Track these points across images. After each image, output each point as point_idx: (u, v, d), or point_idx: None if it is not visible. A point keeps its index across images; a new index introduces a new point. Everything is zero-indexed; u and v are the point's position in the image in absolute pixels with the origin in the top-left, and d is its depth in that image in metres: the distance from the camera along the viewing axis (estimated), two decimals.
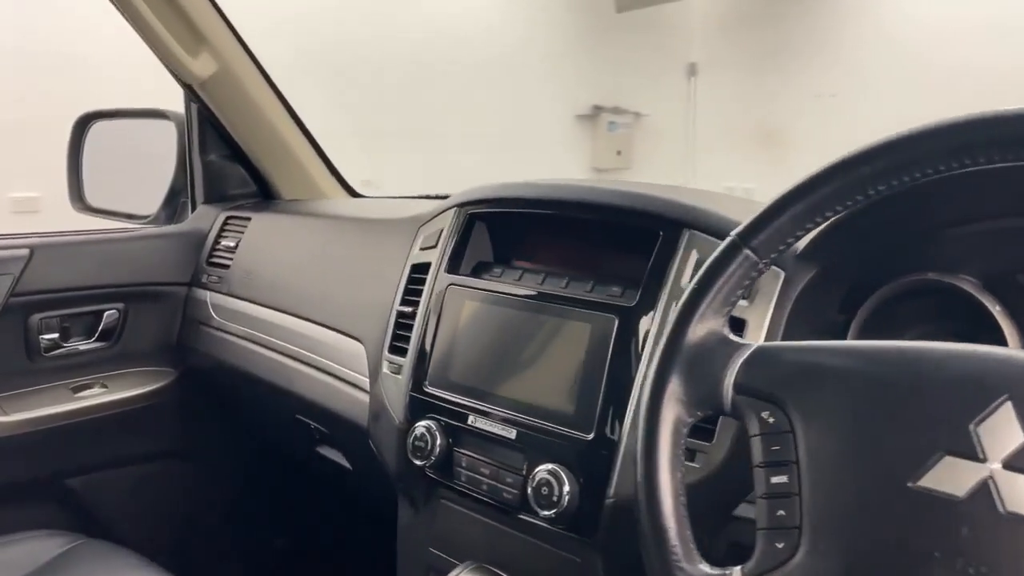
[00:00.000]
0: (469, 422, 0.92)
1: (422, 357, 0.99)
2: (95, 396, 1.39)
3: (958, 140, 0.52)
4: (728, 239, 0.60)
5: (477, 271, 1.01)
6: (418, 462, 0.94)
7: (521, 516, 0.86)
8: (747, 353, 0.57)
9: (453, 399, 0.94)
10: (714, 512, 0.76)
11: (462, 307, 0.97)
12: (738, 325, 0.77)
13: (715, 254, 0.61)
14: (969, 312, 0.76)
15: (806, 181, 0.58)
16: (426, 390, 0.97)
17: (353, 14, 4.82)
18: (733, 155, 6.52)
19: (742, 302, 0.78)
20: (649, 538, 0.56)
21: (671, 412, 0.58)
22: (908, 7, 5.50)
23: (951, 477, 0.46)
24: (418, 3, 5.24)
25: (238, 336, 1.37)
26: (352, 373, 1.14)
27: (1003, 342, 0.73)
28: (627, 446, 0.79)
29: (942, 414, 0.48)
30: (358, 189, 1.69)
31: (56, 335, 1.36)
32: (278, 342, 1.28)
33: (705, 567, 0.54)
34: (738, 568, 0.53)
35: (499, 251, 1.04)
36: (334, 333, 1.19)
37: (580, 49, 6.24)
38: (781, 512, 0.52)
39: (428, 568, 1.00)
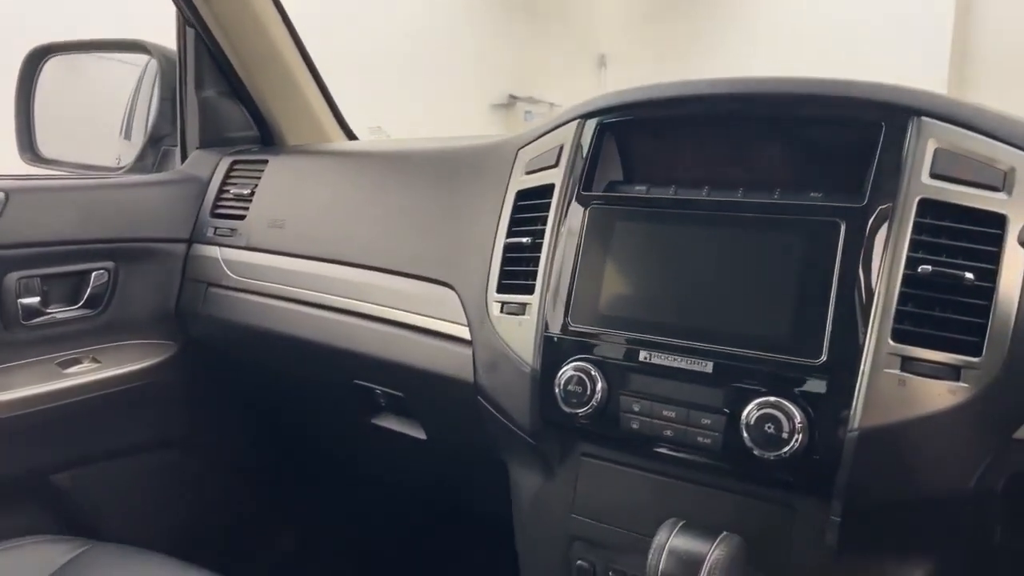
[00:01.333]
0: (642, 358, 0.77)
1: (559, 292, 0.84)
2: (86, 373, 1.15)
3: None
4: None
5: (612, 190, 0.87)
6: (572, 410, 0.79)
7: (725, 465, 0.73)
8: None
9: (616, 334, 0.79)
10: (990, 436, 0.66)
11: (612, 229, 0.83)
12: (997, 222, 0.67)
13: None
14: None
15: None
16: (571, 328, 0.82)
17: None
18: None
19: (996, 194, 0.68)
20: None
21: None
22: (811, 7, 5.73)
23: None
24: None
25: (266, 295, 1.17)
26: (442, 323, 0.97)
27: None
28: (871, 369, 0.67)
29: None
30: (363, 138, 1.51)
31: (38, 300, 1.11)
32: (329, 296, 1.09)
33: None
34: None
35: (630, 171, 0.91)
36: (411, 280, 1.02)
37: (495, 38, 6.15)
38: None
39: (572, 539, 0.85)
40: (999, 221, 0.67)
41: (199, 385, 1.28)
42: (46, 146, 1.40)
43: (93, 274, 1.17)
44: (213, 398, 1.31)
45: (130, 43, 1.38)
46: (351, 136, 1.48)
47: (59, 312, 1.14)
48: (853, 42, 5.35)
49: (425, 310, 0.99)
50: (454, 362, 0.95)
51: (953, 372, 0.65)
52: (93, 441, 1.17)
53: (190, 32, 1.28)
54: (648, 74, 6.49)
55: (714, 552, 0.68)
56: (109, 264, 1.19)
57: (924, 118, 0.71)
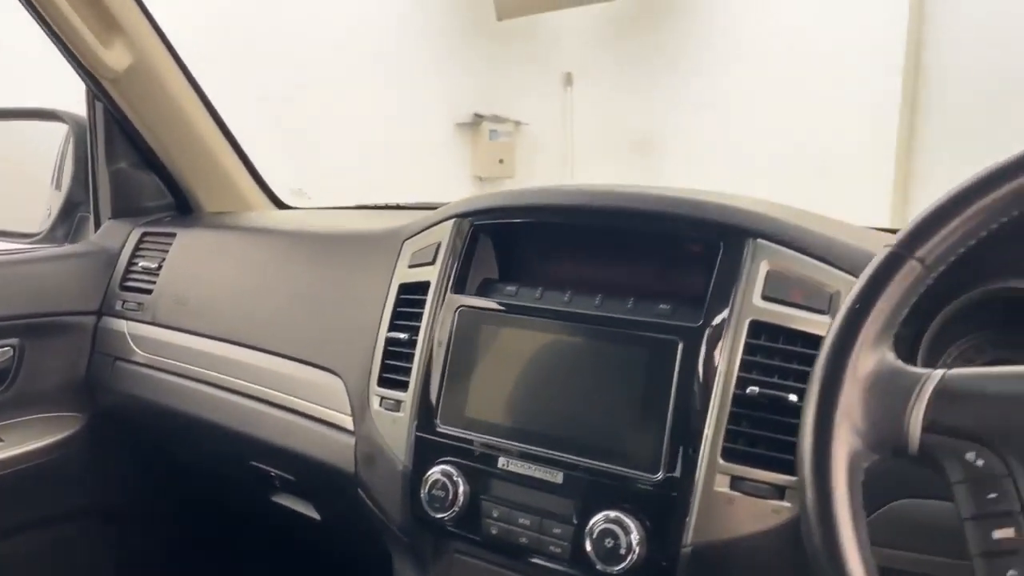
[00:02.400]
0: (500, 465, 0.80)
1: (429, 391, 0.86)
2: None
3: None
4: (887, 250, 0.53)
5: (484, 290, 0.90)
6: (436, 515, 0.81)
7: (577, 574, 0.76)
8: (934, 383, 0.50)
9: (477, 438, 0.82)
10: None
11: (479, 331, 0.85)
12: (813, 343, 0.70)
13: (873, 267, 0.53)
14: None
15: (984, 176, 0.51)
16: (439, 429, 0.84)
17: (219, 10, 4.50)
18: (610, 164, 6.65)
19: (819, 316, 0.71)
20: None
21: (843, 459, 0.50)
22: (770, 22, 5.81)
23: None
24: (290, 3, 4.99)
25: (168, 372, 1.18)
26: (327, 410, 0.99)
27: None
28: (703, 486, 0.70)
29: None
30: (286, 200, 1.52)
31: None
32: (226, 378, 1.11)
33: None
34: None
35: (507, 267, 0.93)
36: (302, 365, 1.03)
37: (459, 56, 6.17)
38: (1013, 572, 0.45)
39: None
40: (815, 342, 0.70)
41: (111, 455, 1.29)
42: None
43: None
44: (126, 467, 1.32)
45: (45, 112, 1.39)
46: (273, 199, 1.49)
47: None
48: (816, 56, 5.43)
49: (313, 397, 1.01)
50: (338, 451, 0.97)
51: (778, 492, 0.68)
52: (4, 518, 1.18)
53: (99, 105, 1.29)
54: (612, 91, 6.55)
55: None
56: (14, 341, 1.20)
57: (759, 240, 0.75)
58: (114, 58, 1.16)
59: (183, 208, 1.40)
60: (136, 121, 1.28)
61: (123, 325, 1.25)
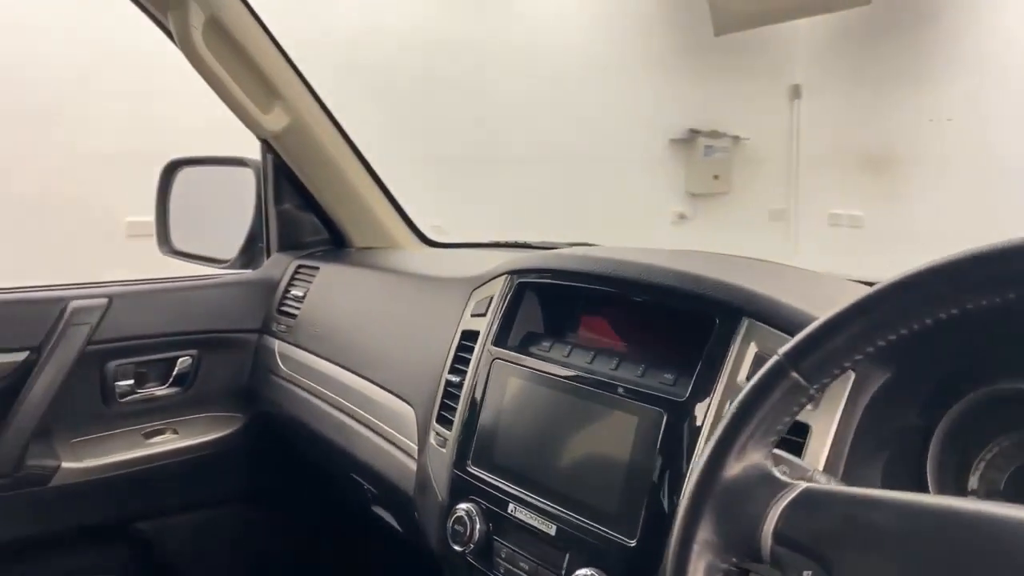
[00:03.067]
0: (509, 510, 0.87)
1: (468, 433, 0.95)
2: (167, 442, 1.42)
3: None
4: (774, 359, 0.54)
5: (526, 343, 0.97)
6: (458, 547, 0.90)
7: None
8: (793, 495, 0.50)
9: (495, 482, 0.89)
10: None
11: (507, 383, 0.93)
12: (801, 430, 0.70)
13: (758, 376, 0.54)
14: None
15: (867, 298, 0.51)
16: (469, 469, 0.93)
17: (427, 36, 4.87)
18: (838, 181, 6.23)
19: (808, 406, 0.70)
20: None
21: (702, 559, 0.52)
22: (1018, 31, 5.13)
23: None
24: (498, 28, 5.26)
25: (301, 388, 1.38)
26: (402, 438, 1.12)
27: None
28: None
29: None
30: (428, 235, 1.68)
31: (131, 381, 1.40)
32: (336, 398, 1.28)
33: None
34: None
35: (551, 322, 1.00)
36: (387, 393, 1.17)
37: (675, 72, 6.12)
38: None
39: None
40: (803, 429, 0.69)
41: (263, 452, 1.52)
42: (178, 241, 1.72)
43: (179, 360, 1.45)
44: (274, 463, 1.54)
45: (237, 159, 1.66)
46: (418, 233, 1.66)
47: (150, 391, 1.43)
48: None
49: (393, 423, 1.14)
50: (407, 475, 1.08)
51: (741, 573, 0.69)
52: (173, 497, 1.45)
53: (269, 156, 1.53)
54: (843, 103, 6.13)
55: None
56: (193, 352, 1.46)
57: (752, 320, 0.75)
58: (272, 120, 1.38)
59: (337, 243, 1.61)
60: (296, 169, 1.50)
61: (275, 344, 1.47)
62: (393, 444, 1.13)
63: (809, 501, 0.50)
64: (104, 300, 1.35)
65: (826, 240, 6.30)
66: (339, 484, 1.33)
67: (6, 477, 1.24)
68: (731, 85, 6.24)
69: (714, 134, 6.35)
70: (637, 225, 5.76)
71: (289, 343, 1.44)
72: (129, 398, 1.40)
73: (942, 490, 0.70)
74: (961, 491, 0.68)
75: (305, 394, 1.36)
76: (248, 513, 1.54)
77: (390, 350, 1.20)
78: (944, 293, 0.48)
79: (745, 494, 0.52)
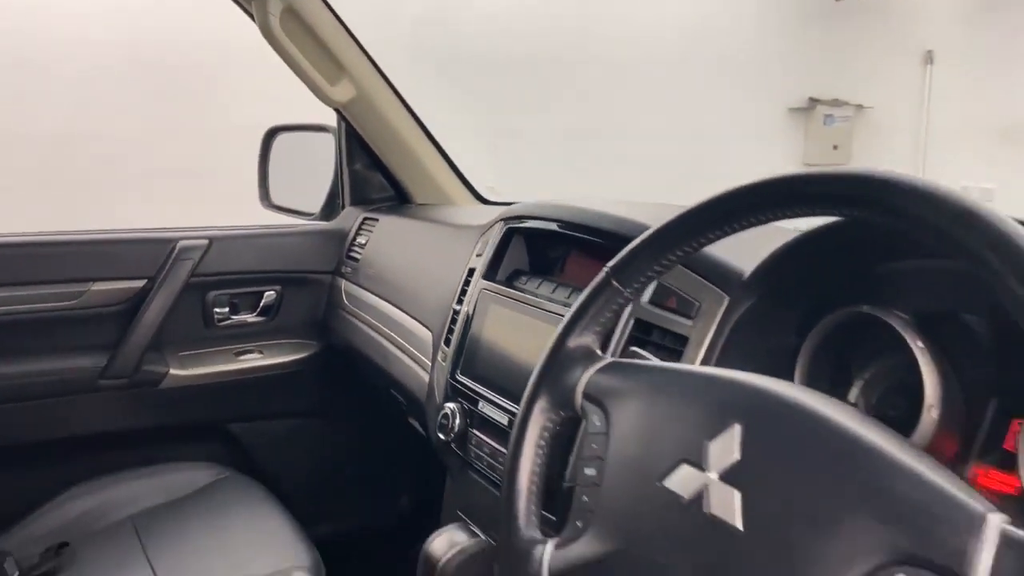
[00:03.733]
0: (480, 407, 1.07)
1: (459, 349, 1.16)
2: (254, 360, 1.72)
3: (780, 193, 0.60)
4: (603, 271, 0.71)
5: (512, 278, 1.16)
6: (443, 437, 1.12)
7: None
8: (601, 364, 0.68)
9: (472, 387, 1.10)
10: None
11: (488, 309, 1.13)
12: (680, 341, 0.86)
13: (592, 284, 0.71)
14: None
15: (659, 228, 0.67)
16: (457, 377, 1.14)
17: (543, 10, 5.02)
18: (969, 152, 5.89)
19: (684, 320, 0.86)
20: (504, 505, 0.69)
21: (540, 411, 0.70)
22: None
23: (683, 481, 0.55)
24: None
25: (359, 320, 1.63)
26: (422, 357, 1.34)
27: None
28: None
29: (692, 429, 0.57)
30: (484, 194, 1.88)
31: (227, 309, 1.70)
32: (381, 327, 1.52)
33: (536, 533, 0.66)
34: (552, 540, 0.65)
35: (538, 262, 1.18)
36: (415, 321, 1.40)
37: (794, 39, 5.97)
38: (585, 498, 0.63)
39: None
40: (684, 340, 0.85)
41: (332, 375, 1.80)
42: (276, 196, 2.02)
43: (265, 294, 1.73)
44: (341, 385, 1.81)
45: (320, 126, 1.93)
46: (473, 192, 1.87)
47: (243, 318, 1.72)
48: None
49: (419, 346, 1.37)
50: (423, 388, 1.31)
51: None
52: (257, 405, 1.75)
53: (341, 123, 1.78)
54: (979, 71, 5.78)
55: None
56: (278, 287, 1.75)
57: None
58: (340, 92, 1.62)
59: (401, 199, 1.85)
60: (363, 134, 1.74)
61: (342, 283, 1.73)
62: (416, 363, 1.36)
63: (612, 368, 0.67)
64: (205, 241, 1.65)
65: None
66: (384, 399, 1.57)
67: (125, 378, 1.57)
68: (854, 52, 6.02)
69: (835, 103, 6.15)
70: None
71: (353, 283, 1.70)
72: (224, 323, 1.70)
73: None
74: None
75: (362, 325, 1.61)
76: (318, 425, 1.82)
77: (421, 287, 1.43)
78: (716, 218, 0.64)
79: (572, 364, 0.70)
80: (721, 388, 0.58)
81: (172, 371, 1.63)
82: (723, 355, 0.84)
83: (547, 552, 0.64)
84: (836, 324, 0.82)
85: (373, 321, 1.55)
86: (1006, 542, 0.42)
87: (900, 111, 6.25)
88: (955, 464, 0.77)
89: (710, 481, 0.54)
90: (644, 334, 0.89)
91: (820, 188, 0.55)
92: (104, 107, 3.83)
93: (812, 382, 0.84)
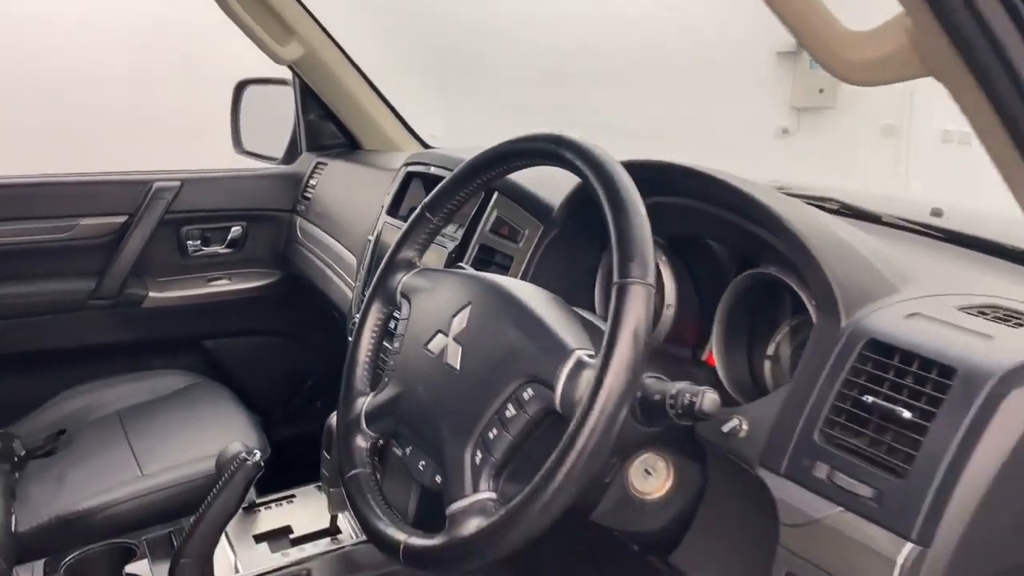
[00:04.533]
0: None
1: (369, 269, 1.44)
2: (223, 285, 2.01)
3: (509, 151, 0.85)
4: (419, 207, 0.96)
5: (408, 213, 1.42)
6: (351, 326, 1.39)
7: None
8: (414, 271, 0.94)
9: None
10: None
11: (389, 238, 1.40)
12: (509, 260, 1.12)
13: (411, 217, 0.97)
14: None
15: (451, 175, 0.93)
16: (364, 292, 1.41)
17: None
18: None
19: (512, 244, 1.13)
20: (345, 373, 0.96)
21: (375, 307, 0.97)
22: None
23: (436, 344, 0.82)
24: None
25: (310, 252, 1.90)
26: (350, 279, 1.62)
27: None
28: None
29: (447, 310, 0.83)
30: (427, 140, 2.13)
31: (199, 242, 1.98)
32: (324, 256, 1.79)
33: (365, 389, 0.93)
34: (371, 394, 0.92)
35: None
36: (346, 250, 1.67)
37: None
38: (391, 363, 0.90)
39: None
40: (509, 260, 1.12)
41: (292, 300, 2.08)
42: (248, 143, 2.27)
43: (232, 228, 2.01)
44: (300, 309, 2.09)
45: (282, 80, 2.17)
46: (418, 138, 2.11)
47: (214, 249, 2.00)
48: None
49: (348, 271, 1.64)
50: (349, 302, 1.59)
51: None
52: (227, 324, 2.04)
53: (296, 78, 2.02)
54: None
55: None
56: (243, 224, 2.02)
57: (497, 193, 1.17)
58: (289, 52, 1.86)
59: (352, 145, 2.09)
60: (314, 88, 1.98)
61: (298, 220, 2.00)
62: (346, 284, 1.64)
63: (420, 273, 0.93)
64: (177, 183, 1.92)
65: (937, 158, 6.12)
66: (332, 320, 1.86)
67: (111, 300, 1.87)
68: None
69: None
70: (736, 138, 5.86)
71: (306, 219, 1.97)
72: (197, 253, 1.98)
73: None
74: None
75: (312, 256, 1.89)
76: (278, 342, 2.12)
77: (351, 221, 1.69)
78: (479, 168, 0.89)
79: (396, 271, 0.96)
80: (470, 282, 0.85)
81: (151, 294, 1.92)
82: (537, 270, 1.10)
83: (367, 400, 0.91)
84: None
85: (319, 252, 1.83)
86: (577, 363, 0.69)
87: None
88: (694, 348, 1.04)
89: (448, 342, 0.81)
90: (488, 256, 1.15)
91: (528, 145, 0.81)
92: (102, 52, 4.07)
93: (604, 291, 1.10)
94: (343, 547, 1.25)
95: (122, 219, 1.87)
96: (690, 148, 1.53)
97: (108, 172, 1.90)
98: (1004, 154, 0.58)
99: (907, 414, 0.67)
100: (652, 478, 0.89)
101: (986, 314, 0.75)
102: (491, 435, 0.73)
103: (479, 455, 0.73)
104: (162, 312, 1.94)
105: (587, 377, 0.68)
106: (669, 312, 1.02)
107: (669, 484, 0.89)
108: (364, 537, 1.24)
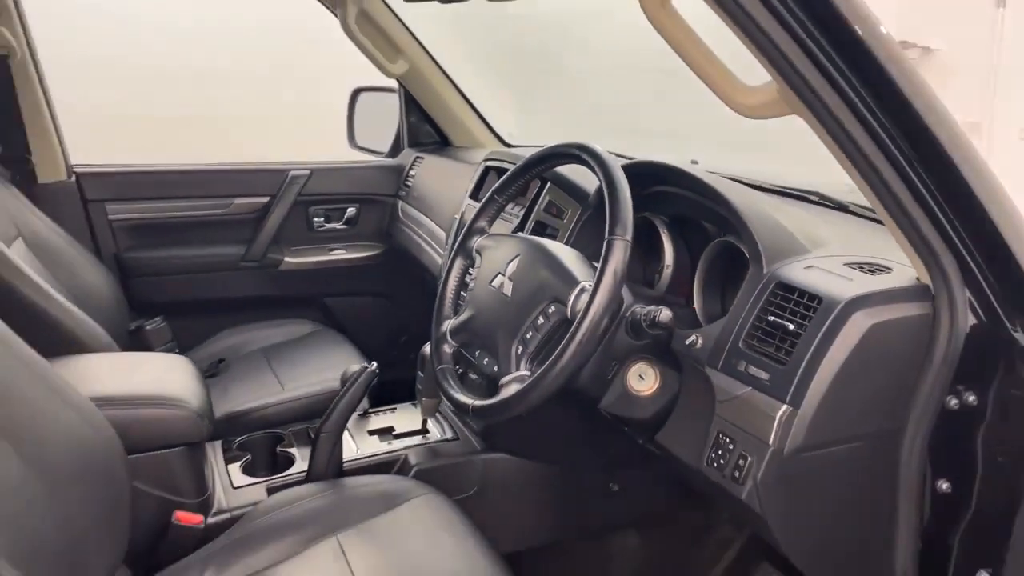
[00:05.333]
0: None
1: (454, 242, 1.87)
2: (340, 254, 2.50)
3: (547, 155, 1.28)
4: (491, 191, 1.39)
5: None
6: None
7: None
8: (485, 236, 1.37)
9: None
10: None
11: (465, 214, 1.83)
12: (555, 232, 1.54)
13: (484, 198, 1.39)
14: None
15: (512, 170, 1.35)
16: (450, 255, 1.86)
17: None
18: None
19: (559, 220, 1.54)
20: (437, 304, 1.40)
21: (458, 261, 1.40)
22: None
23: (497, 281, 1.25)
24: None
25: (410, 229, 2.37)
26: (441, 250, 2.06)
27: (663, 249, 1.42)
28: None
29: (504, 260, 1.26)
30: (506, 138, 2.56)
31: (322, 219, 2.48)
32: (421, 232, 2.25)
33: (451, 315, 1.37)
34: (453, 318, 1.36)
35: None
36: (438, 227, 2.12)
37: None
38: (464, 294, 1.33)
39: None
40: (556, 231, 1.54)
41: (394, 268, 2.55)
42: (360, 139, 2.76)
43: (348, 209, 2.50)
44: (400, 276, 2.56)
45: (390, 88, 2.64)
46: (497, 136, 2.55)
47: (332, 225, 2.50)
48: None
49: (440, 244, 2.09)
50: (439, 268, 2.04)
51: None
52: (343, 286, 2.53)
53: (401, 88, 2.49)
54: None
55: None
56: (357, 205, 2.51)
57: (551, 184, 1.59)
58: (396, 68, 2.32)
59: (444, 142, 2.55)
60: (415, 95, 2.45)
61: (399, 203, 2.47)
62: (437, 254, 2.09)
63: (489, 237, 1.36)
64: (308, 171, 2.42)
65: (1018, 153, 6.13)
66: (426, 286, 2.31)
67: (256, 261, 2.39)
68: None
69: (905, 44, 6.33)
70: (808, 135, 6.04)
71: (406, 203, 2.43)
72: (321, 228, 2.48)
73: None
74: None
75: (410, 232, 2.35)
76: (383, 302, 2.60)
77: (443, 203, 2.14)
78: (532, 165, 1.32)
79: (473, 236, 1.39)
80: (521, 241, 1.27)
81: (286, 259, 2.43)
82: (577, 238, 1.51)
83: (450, 322, 1.35)
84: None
85: (416, 228, 2.29)
86: (581, 289, 1.10)
87: (970, 54, 6.37)
88: (688, 297, 1.43)
89: (504, 280, 1.24)
90: (541, 229, 1.58)
91: (561, 150, 1.23)
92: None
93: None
94: (429, 442, 1.70)
95: (265, 200, 2.38)
96: (765, 156, 1.86)
97: (256, 163, 2.42)
98: (838, 155, 0.96)
99: (791, 326, 1.05)
100: (644, 381, 1.28)
101: (861, 267, 1.11)
102: (528, 336, 1.16)
103: (520, 348, 1.16)
104: (294, 274, 2.45)
105: (584, 298, 1.09)
106: (668, 271, 1.42)
107: (656, 385, 1.28)
108: (446, 436, 1.70)
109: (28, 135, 2.13)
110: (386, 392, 1.89)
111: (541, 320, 1.15)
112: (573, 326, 1.07)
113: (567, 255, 1.21)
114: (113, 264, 2.25)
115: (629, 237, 1.10)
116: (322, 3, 2.25)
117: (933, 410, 1.04)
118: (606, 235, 1.10)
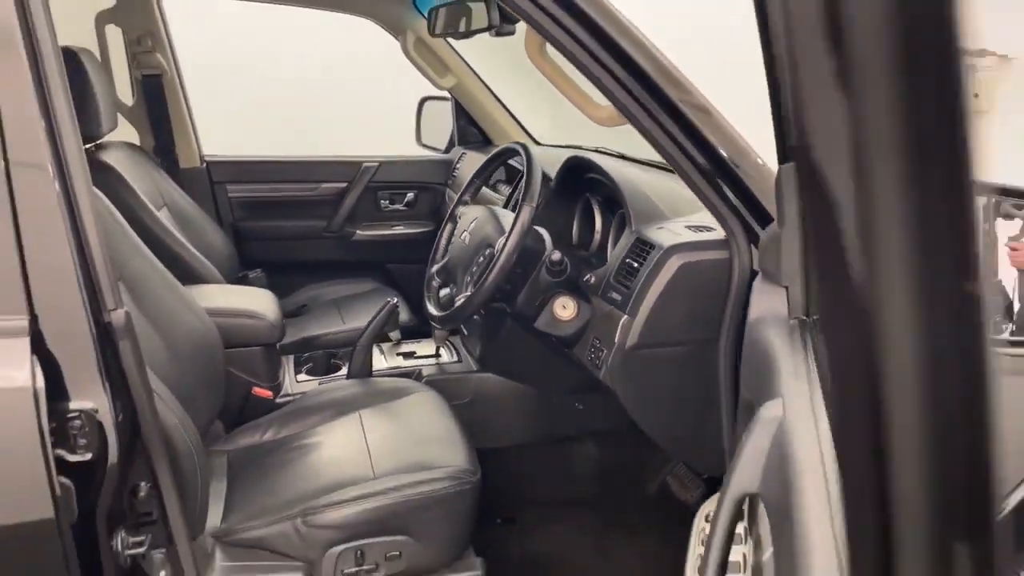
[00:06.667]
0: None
1: None
2: (400, 230, 3.16)
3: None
4: (471, 174, 1.98)
5: (495, 183, 2.44)
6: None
7: None
8: (464, 206, 1.97)
9: None
10: None
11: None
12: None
13: (470, 178, 1.99)
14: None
15: (480, 166, 1.94)
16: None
17: None
18: None
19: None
20: (432, 251, 2.00)
21: (448, 223, 2.00)
22: None
23: (459, 232, 1.84)
24: None
25: None
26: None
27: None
28: None
29: (469, 218, 1.85)
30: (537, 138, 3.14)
31: (387, 201, 3.14)
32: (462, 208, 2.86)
33: (438, 263, 1.97)
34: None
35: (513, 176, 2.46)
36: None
37: None
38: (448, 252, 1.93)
39: None
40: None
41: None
42: (426, 138, 3.40)
43: (407, 194, 3.15)
44: None
45: (446, 97, 3.26)
46: (530, 136, 3.13)
47: (395, 206, 3.15)
48: None
49: None
50: None
51: None
52: (400, 255, 3.17)
53: (452, 97, 3.11)
54: None
55: None
56: (415, 191, 3.15)
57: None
58: (446, 82, 2.95)
59: (486, 141, 3.15)
60: (463, 103, 3.07)
61: (446, 190, 3.10)
62: None
63: (468, 207, 1.95)
64: (377, 163, 3.08)
65: None
66: None
67: (335, 233, 3.08)
68: (1005, 4, 6.21)
69: (981, 52, 6.39)
70: None
71: (451, 190, 3.05)
72: (386, 209, 3.14)
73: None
74: None
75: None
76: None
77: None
78: (491, 162, 1.90)
79: (459, 207, 1.99)
80: (481, 208, 1.86)
81: (358, 232, 3.11)
82: (541, 212, 2.08)
83: (436, 265, 1.95)
84: (583, 203, 2.04)
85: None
86: (505, 237, 1.69)
87: None
88: None
89: (466, 234, 1.83)
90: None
91: (512, 148, 1.81)
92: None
93: (581, 228, 2.05)
94: (441, 363, 2.31)
95: (343, 185, 3.06)
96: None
97: (336, 156, 3.11)
98: (659, 151, 1.50)
99: (635, 265, 1.59)
100: (566, 310, 1.84)
101: (696, 229, 1.63)
102: (473, 269, 1.75)
103: (468, 277, 1.75)
104: (363, 243, 3.12)
105: (502, 241, 1.67)
106: (598, 236, 1.96)
107: (575, 313, 1.83)
108: (453, 359, 2.30)
109: (174, 133, 2.89)
110: (420, 332, 2.52)
111: (481, 259, 1.74)
112: (494, 260, 1.65)
113: (502, 216, 1.78)
114: (230, 229, 2.99)
115: (535, 204, 1.67)
116: (388, 32, 2.91)
117: (735, 326, 1.55)
118: (520, 200, 1.67)
